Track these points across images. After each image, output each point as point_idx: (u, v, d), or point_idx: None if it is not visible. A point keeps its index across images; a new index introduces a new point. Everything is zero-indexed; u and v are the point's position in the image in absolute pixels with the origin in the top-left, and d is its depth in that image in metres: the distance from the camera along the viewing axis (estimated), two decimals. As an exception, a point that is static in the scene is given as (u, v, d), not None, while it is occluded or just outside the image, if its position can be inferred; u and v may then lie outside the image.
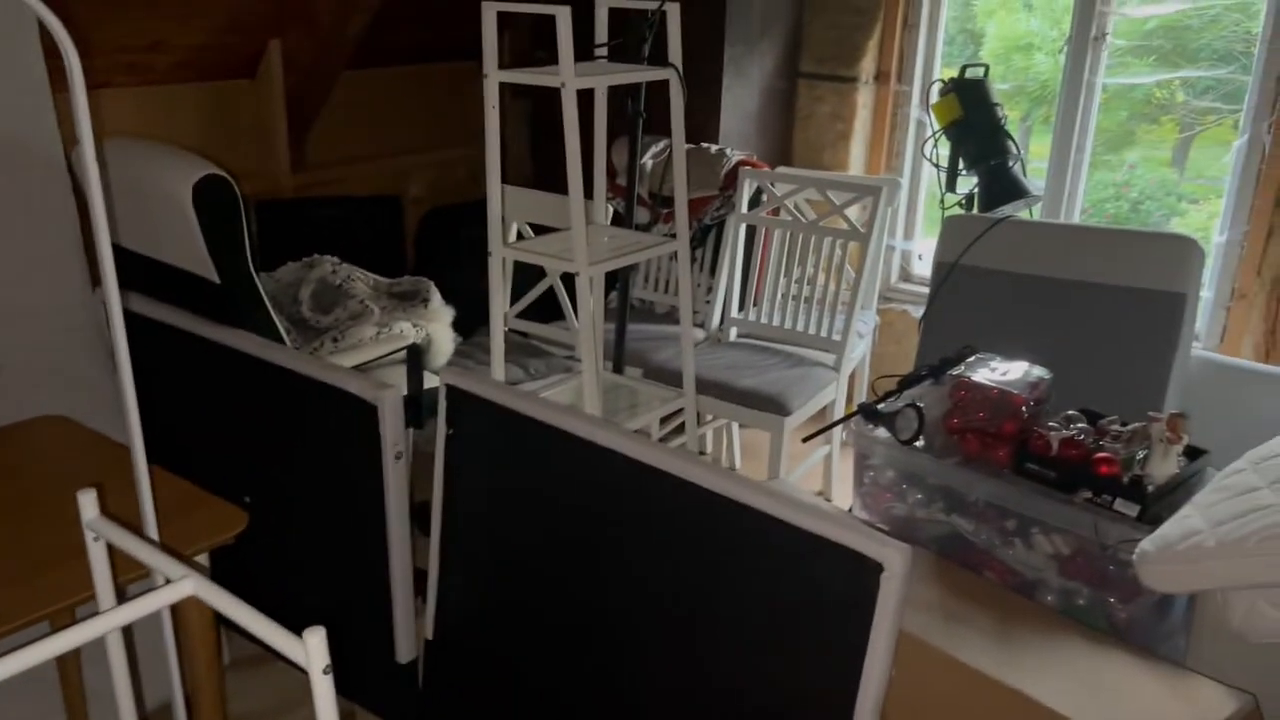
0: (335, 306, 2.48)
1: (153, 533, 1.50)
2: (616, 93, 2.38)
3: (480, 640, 1.91)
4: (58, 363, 2.13)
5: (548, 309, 2.70)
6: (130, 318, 2.04)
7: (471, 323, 2.90)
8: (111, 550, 1.20)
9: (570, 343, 2.89)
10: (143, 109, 3.12)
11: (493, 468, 1.85)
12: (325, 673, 0.92)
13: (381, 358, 2.46)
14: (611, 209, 2.71)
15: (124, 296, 1.62)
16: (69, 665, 1.87)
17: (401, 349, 2.47)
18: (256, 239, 2.20)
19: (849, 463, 2.35)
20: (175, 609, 1.48)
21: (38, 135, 2.06)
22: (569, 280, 2.40)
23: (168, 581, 1.05)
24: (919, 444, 2.12)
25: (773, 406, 2.72)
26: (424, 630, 1.99)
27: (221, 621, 1.55)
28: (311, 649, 0.91)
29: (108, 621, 1.01)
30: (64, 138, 2.11)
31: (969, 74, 2.77)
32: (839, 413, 2.93)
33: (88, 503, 1.15)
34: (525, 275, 2.56)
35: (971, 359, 2.19)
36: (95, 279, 2.15)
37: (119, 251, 2.26)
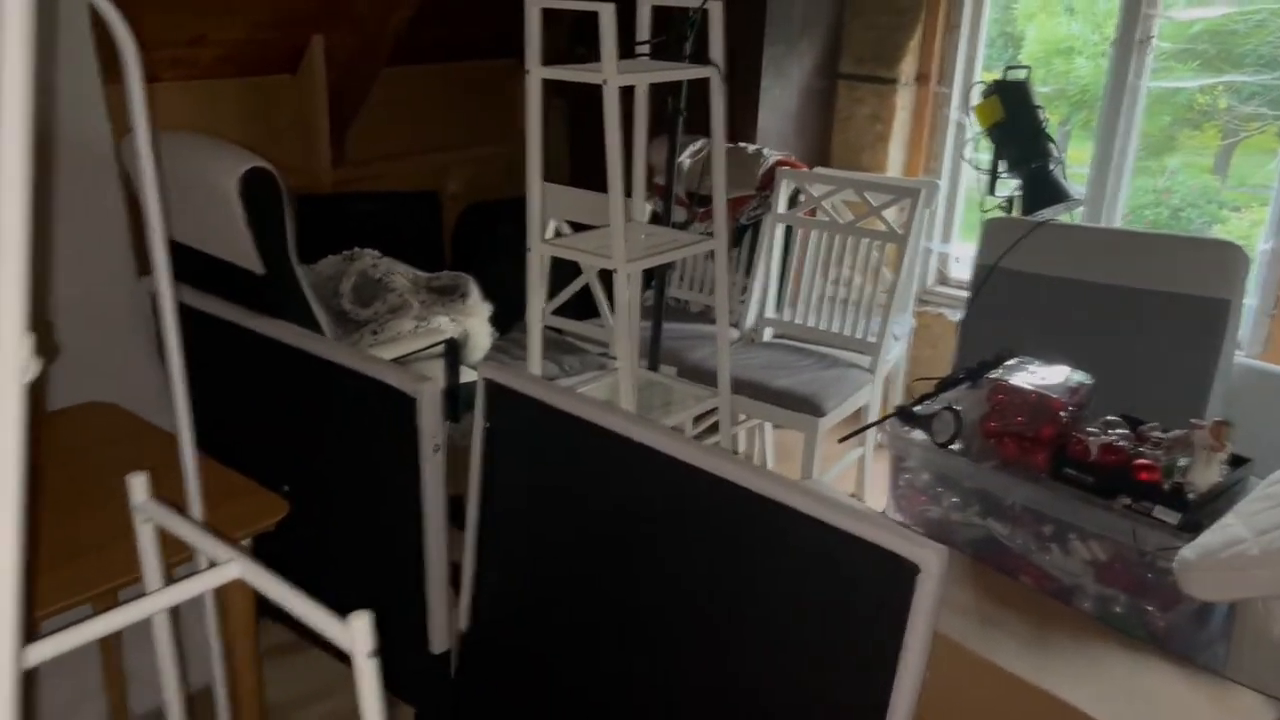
0: (375, 300, 2.50)
1: (198, 518, 1.53)
2: (656, 91, 2.38)
3: (514, 633, 1.92)
4: (104, 350, 2.16)
5: (582, 306, 2.71)
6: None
7: (507, 319, 2.92)
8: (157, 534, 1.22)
9: (604, 340, 2.90)
10: (185, 103, 3.16)
11: (529, 462, 1.86)
12: (370, 656, 0.93)
13: (419, 351, 2.48)
14: (649, 208, 2.71)
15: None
16: (110, 647, 1.90)
17: (439, 343, 2.49)
18: (297, 232, 2.22)
19: (882, 465, 2.34)
20: (219, 593, 1.50)
21: (88, 126, 2.09)
22: (605, 277, 2.40)
23: (212, 565, 1.07)
24: (956, 447, 2.11)
25: (807, 407, 2.71)
26: (458, 622, 2.00)
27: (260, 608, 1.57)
28: (356, 633, 0.93)
29: (156, 602, 1.02)
30: (112, 130, 2.14)
31: (1011, 76, 2.75)
32: (874, 415, 2.92)
33: (138, 486, 1.17)
34: (561, 272, 2.57)
35: (1010, 362, 2.18)
36: (141, 269, 2.19)
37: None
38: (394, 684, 2.16)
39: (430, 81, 3.82)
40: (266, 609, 1.50)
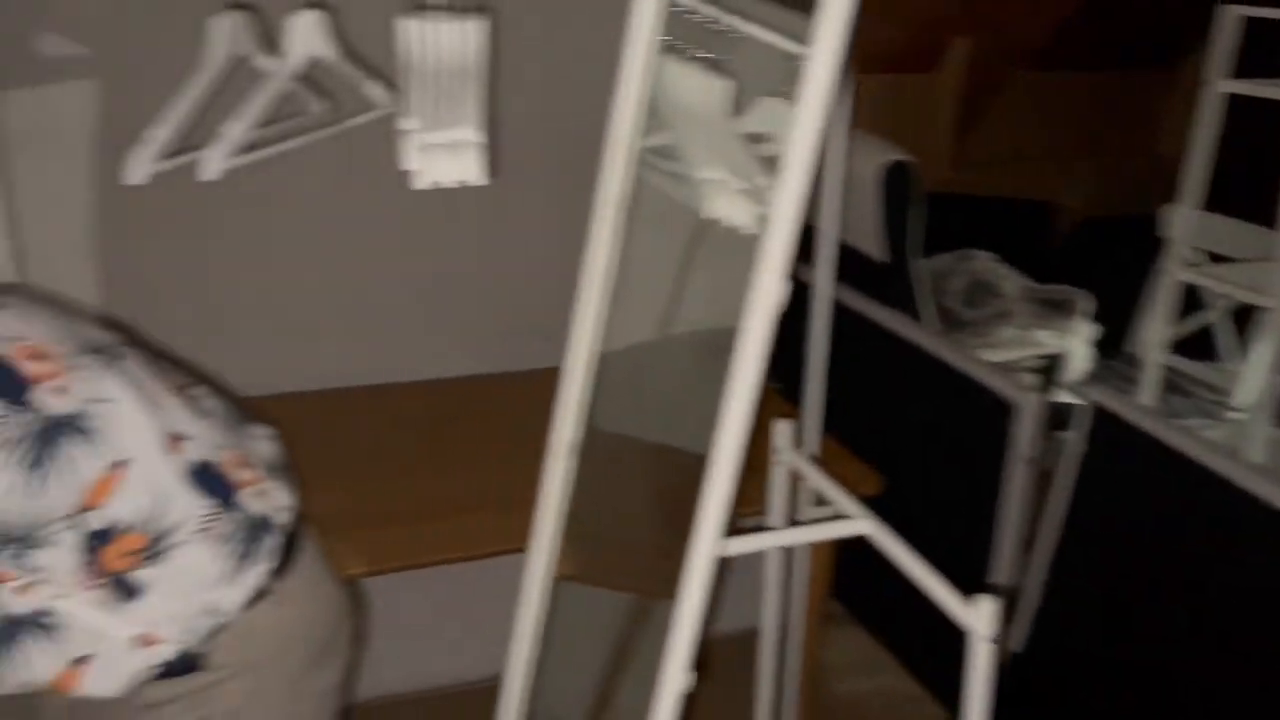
0: (982, 303, 2.51)
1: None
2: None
3: (1074, 665, 1.83)
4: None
5: (1190, 345, 2.47)
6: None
7: (1106, 344, 2.76)
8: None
9: (1219, 385, 2.61)
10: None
11: (1126, 497, 1.75)
12: (990, 641, 0.96)
13: (1015, 361, 2.44)
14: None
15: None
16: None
17: (1038, 357, 2.43)
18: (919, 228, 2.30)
19: None
20: (813, 545, 1.62)
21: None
22: (1238, 317, 2.16)
23: (822, 520, 1.16)
24: None
25: None
26: (1010, 642, 1.95)
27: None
28: (981, 614, 0.95)
29: (792, 535, 1.14)
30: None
31: None
32: None
33: (782, 431, 1.31)
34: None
35: None
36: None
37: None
38: (935, 683, 2.19)
39: (1059, 88, 3.68)
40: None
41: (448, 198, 1.38)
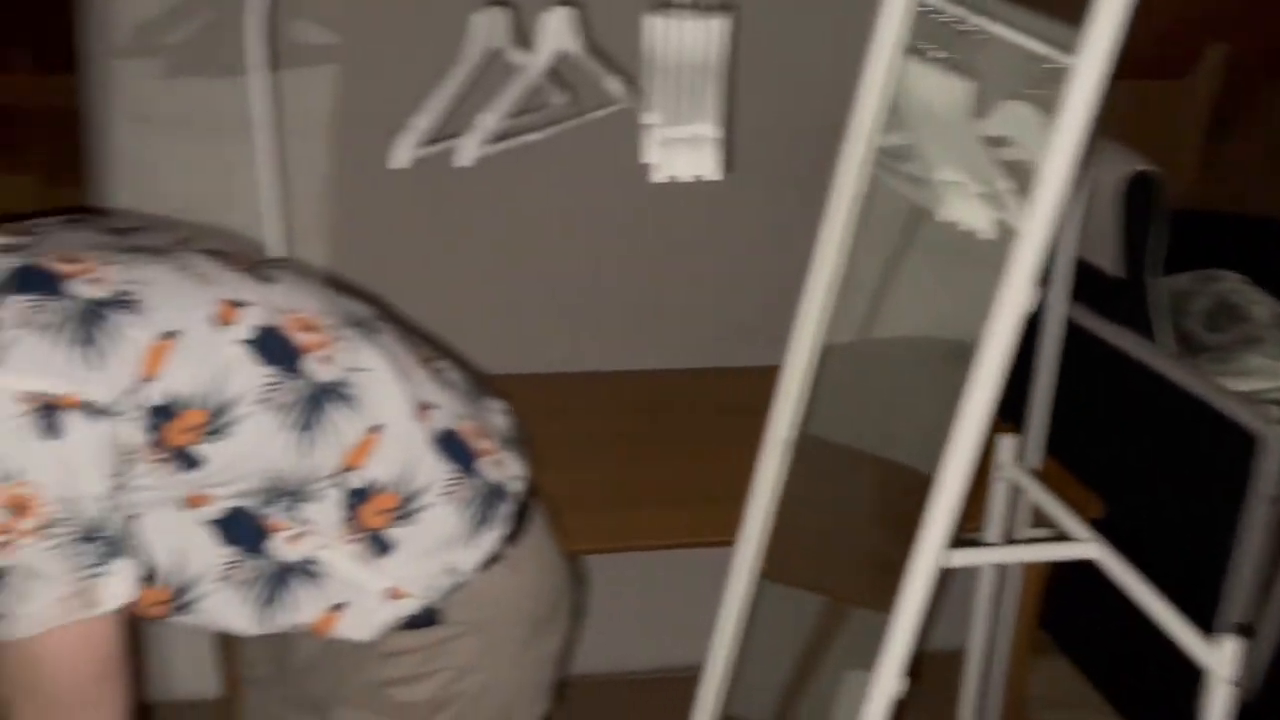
0: (1227, 327, 2.35)
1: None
2: None
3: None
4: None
5: None
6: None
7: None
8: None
9: None
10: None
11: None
12: (1232, 684, 0.90)
13: (1260, 392, 2.27)
14: None
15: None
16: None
17: (1285, 388, 2.24)
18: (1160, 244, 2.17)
19: None
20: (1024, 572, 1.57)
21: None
22: None
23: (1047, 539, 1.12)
24: None
25: None
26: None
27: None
28: (1223, 655, 0.90)
29: (1014, 553, 1.11)
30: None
31: None
32: None
33: (1005, 446, 1.27)
34: None
35: None
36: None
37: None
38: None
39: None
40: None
41: (680, 192, 1.42)
